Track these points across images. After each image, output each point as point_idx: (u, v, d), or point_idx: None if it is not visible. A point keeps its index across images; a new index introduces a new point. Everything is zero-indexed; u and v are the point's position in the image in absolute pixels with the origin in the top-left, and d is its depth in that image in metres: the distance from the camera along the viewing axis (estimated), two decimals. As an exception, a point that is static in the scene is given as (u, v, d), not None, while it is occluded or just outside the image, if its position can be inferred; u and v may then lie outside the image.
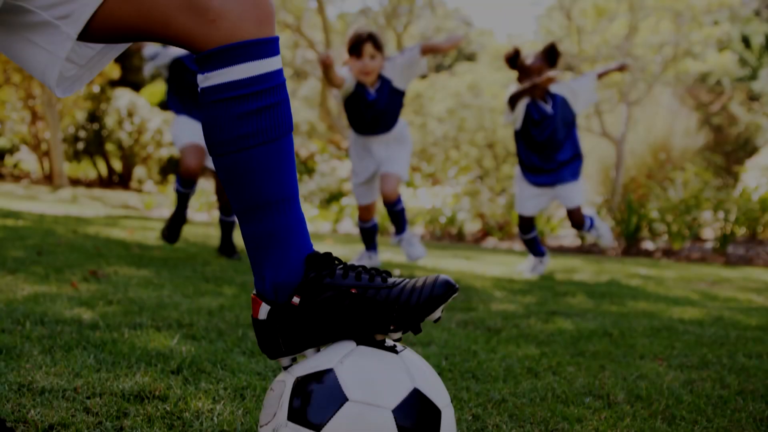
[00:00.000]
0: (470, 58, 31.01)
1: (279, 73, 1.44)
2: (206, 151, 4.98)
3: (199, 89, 1.44)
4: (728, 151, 20.85)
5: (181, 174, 5.58)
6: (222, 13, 1.39)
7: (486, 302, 4.15)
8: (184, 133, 5.62)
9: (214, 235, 8.18)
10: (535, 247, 6.20)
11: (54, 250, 5.04)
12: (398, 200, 5.62)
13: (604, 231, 6.17)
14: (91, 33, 1.44)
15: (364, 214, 5.80)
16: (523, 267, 6.38)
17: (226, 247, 5.92)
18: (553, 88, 5.88)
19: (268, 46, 1.42)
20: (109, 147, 20.33)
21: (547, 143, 5.91)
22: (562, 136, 5.93)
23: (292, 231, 1.47)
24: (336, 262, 1.50)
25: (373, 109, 5.45)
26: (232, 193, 1.46)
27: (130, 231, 7.49)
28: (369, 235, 5.85)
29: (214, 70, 1.40)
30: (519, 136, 6.04)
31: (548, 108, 5.83)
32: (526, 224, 6.22)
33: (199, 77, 1.42)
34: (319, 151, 15.34)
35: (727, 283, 6.11)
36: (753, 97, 23.15)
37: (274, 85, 1.42)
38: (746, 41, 24.22)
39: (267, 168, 1.43)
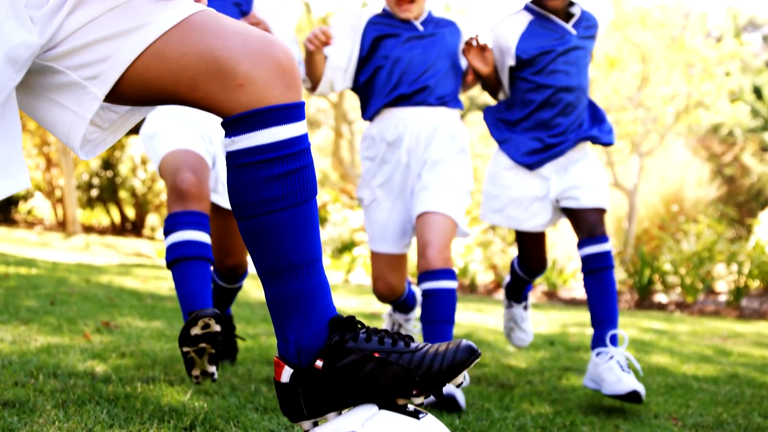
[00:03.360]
0: (482, 108, 31.13)
1: (304, 137, 1.46)
2: (213, 176, 3.07)
3: (225, 153, 1.46)
4: (741, 202, 20.80)
5: (170, 203, 2.83)
6: (250, 78, 1.41)
7: (498, 357, 4.13)
8: (169, 136, 3.00)
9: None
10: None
11: (67, 300, 5.05)
12: (448, 271, 3.14)
13: None
14: (117, 94, 1.47)
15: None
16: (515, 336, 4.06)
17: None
18: None
19: (295, 111, 1.44)
20: (123, 194, 20.41)
21: None
22: None
23: (315, 294, 1.48)
24: (359, 325, 1.51)
25: (420, 49, 3.32)
26: (257, 256, 1.47)
27: (143, 280, 7.50)
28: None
29: (240, 134, 1.42)
30: None
31: None
32: None
33: (225, 141, 1.44)
34: (332, 201, 15.37)
35: (741, 338, 6.06)
36: (765, 148, 23.13)
37: (299, 149, 1.44)
38: (758, 92, 24.27)
39: (292, 232, 1.44)
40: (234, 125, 1.42)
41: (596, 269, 3.18)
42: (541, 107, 3.34)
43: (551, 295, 9.86)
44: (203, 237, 2.76)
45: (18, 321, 3.89)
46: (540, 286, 10.15)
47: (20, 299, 4.85)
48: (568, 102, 3.32)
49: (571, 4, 3.45)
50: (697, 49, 14.91)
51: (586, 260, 3.21)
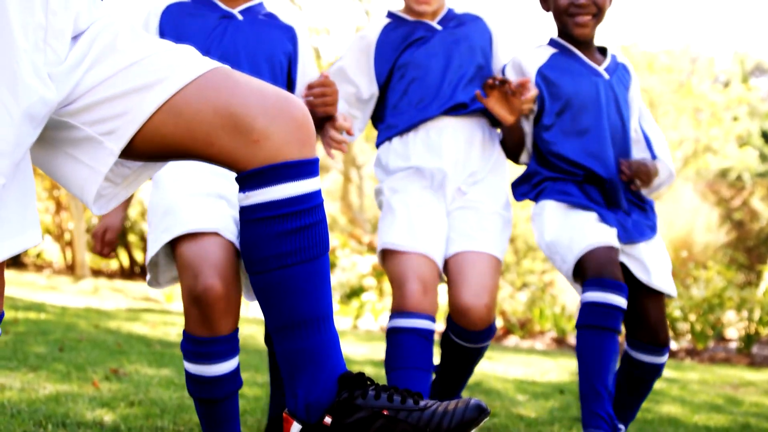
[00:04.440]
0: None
1: (318, 194, 1.48)
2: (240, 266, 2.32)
3: (238, 207, 1.47)
4: (750, 247, 20.73)
5: (191, 317, 2.24)
6: (266, 134, 1.43)
7: (508, 407, 4.10)
8: (190, 212, 2.30)
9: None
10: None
11: (76, 346, 5.04)
12: (489, 330, 2.70)
13: None
14: (132, 150, 1.49)
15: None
16: None
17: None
18: None
19: (309, 167, 1.46)
20: (132, 238, 20.46)
21: None
22: None
23: (325, 350, 1.49)
24: (368, 382, 1.51)
25: (440, 53, 2.87)
26: (268, 311, 1.48)
27: (152, 326, 7.49)
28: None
29: (254, 189, 1.44)
30: None
31: None
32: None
33: (240, 195, 1.46)
34: (340, 246, 15.37)
35: (753, 387, 6.02)
36: (774, 193, 23.13)
37: (313, 205, 1.46)
38: (766, 137, 24.29)
39: (303, 287, 1.45)
40: (249, 180, 1.44)
41: (644, 381, 2.84)
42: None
43: (560, 342, 9.80)
44: (234, 364, 2.26)
45: (27, 368, 3.89)
46: (549, 332, 10.10)
47: (29, 345, 4.85)
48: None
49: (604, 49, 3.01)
50: (705, 94, 15.02)
51: (639, 365, 2.83)
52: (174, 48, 1.54)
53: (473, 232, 2.74)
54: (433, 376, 2.82)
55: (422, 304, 2.58)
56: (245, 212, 1.46)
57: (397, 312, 2.61)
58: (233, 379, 2.26)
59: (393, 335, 2.59)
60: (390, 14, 2.96)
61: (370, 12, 14.43)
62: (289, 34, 2.72)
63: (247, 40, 2.60)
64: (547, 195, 2.89)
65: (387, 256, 2.73)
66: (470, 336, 2.66)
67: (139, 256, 21.17)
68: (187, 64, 1.48)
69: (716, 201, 20.92)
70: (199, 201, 2.32)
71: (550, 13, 2.99)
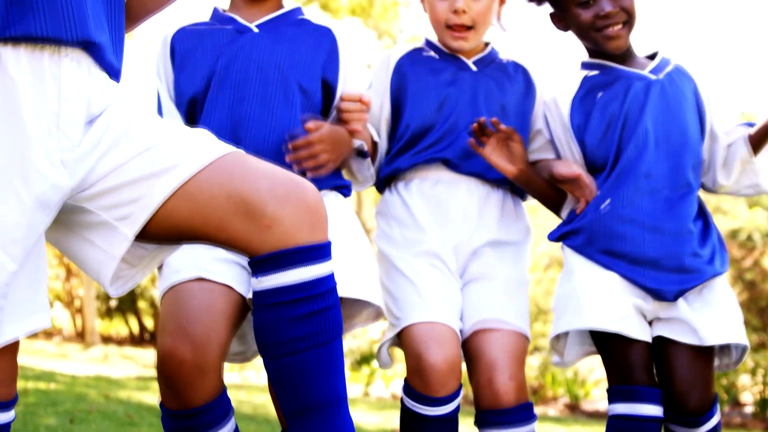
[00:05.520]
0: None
1: (330, 277, 1.48)
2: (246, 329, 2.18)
3: (252, 292, 1.48)
4: (763, 307, 20.58)
5: (161, 387, 1.91)
6: (278, 219, 1.44)
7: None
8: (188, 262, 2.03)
9: (245, 400, 8.09)
10: None
11: (86, 417, 5.01)
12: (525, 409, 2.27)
13: None
14: (147, 234, 1.50)
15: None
16: None
17: None
18: None
19: (321, 251, 1.46)
20: (142, 304, 20.45)
21: None
22: None
23: None
24: None
25: (469, 97, 2.41)
26: (282, 396, 1.48)
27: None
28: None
29: (267, 274, 1.44)
30: None
31: None
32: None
33: (252, 280, 1.46)
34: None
35: (770, 454, 5.94)
36: (785, 254, 23.04)
37: (325, 290, 1.46)
38: (775, 198, 24.35)
39: (317, 371, 1.45)
40: (261, 265, 1.44)
41: None
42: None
43: (574, 408, 9.69)
44: None
45: (37, 442, 3.87)
46: (562, 398, 10.00)
47: (39, 417, 4.82)
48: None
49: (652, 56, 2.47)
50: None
51: None
52: (187, 132, 1.55)
53: (494, 306, 2.33)
54: None
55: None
56: (258, 297, 1.46)
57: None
58: None
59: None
60: (426, 41, 2.54)
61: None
62: (326, 39, 2.30)
63: (260, 56, 2.20)
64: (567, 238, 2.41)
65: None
66: (501, 417, 2.25)
67: (148, 322, 21.13)
68: (199, 150, 1.49)
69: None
70: (195, 251, 2.00)
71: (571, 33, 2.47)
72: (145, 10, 1.75)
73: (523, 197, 2.52)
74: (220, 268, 2.00)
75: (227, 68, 2.18)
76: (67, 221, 1.51)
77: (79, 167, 1.45)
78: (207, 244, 1.52)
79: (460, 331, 2.31)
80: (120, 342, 20.04)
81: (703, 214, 2.38)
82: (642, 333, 2.26)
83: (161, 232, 1.50)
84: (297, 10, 2.33)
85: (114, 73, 1.58)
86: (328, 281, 1.47)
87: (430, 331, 2.20)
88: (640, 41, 2.64)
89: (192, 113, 2.23)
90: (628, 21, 2.36)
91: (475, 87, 2.41)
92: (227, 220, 1.45)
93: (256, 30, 2.25)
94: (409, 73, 2.45)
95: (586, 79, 2.44)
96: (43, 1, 1.39)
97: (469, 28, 2.37)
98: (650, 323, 2.32)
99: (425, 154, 2.37)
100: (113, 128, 1.49)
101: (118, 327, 21.87)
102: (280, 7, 2.32)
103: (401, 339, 2.27)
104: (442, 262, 2.34)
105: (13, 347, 1.48)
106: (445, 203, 2.37)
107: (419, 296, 2.27)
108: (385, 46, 13.84)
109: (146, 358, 15.77)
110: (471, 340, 2.30)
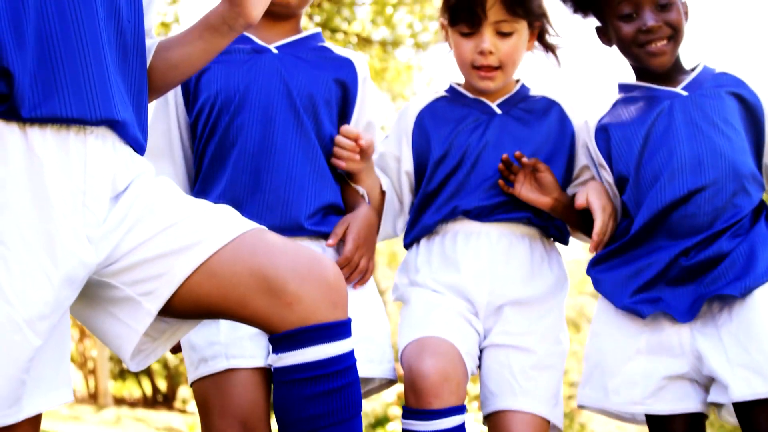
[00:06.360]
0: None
1: (350, 355, 1.49)
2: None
3: (272, 369, 1.49)
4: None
5: None
6: (299, 296, 1.45)
7: None
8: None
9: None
10: None
11: (100, 483, 4.98)
12: None
13: None
14: (169, 309, 1.51)
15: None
16: None
17: None
18: None
19: (341, 329, 1.48)
20: (155, 366, 20.32)
21: None
22: None
23: None
24: None
25: (494, 140, 2.28)
26: None
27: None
28: None
29: (287, 351, 1.46)
30: None
31: None
32: None
33: (272, 357, 1.48)
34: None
35: None
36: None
37: (344, 367, 1.48)
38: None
39: None
40: (281, 342, 1.46)
41: None
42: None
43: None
44: None
45: None
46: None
47: (53, 483, 4.79)
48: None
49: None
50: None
51: None
52: (210, 209, 1.57)
53: (517, 387, 2.14)
54: None
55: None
56: (278, 373, 1.47)
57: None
58: None
59: None
60: (450, 87, 2.42)
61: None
62: (345, 67, 2.23)
63: (278, 78, 2.11)
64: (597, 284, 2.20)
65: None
66: None
67: (162, 384, 20.97)
68: (222, 227, 1.52)
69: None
70: (220, 327, 1.97)
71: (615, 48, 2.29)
72: (166, 82, 1.76)
73: (563, 240, 2.35)
74: (246, 349, 1.96)
75: (238, 87, 2.09)
76: (91, 295, 1.53)
77: (105, 243, 1.46)
78: (229, 320, 1.53)
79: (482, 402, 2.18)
80: (133, 404, 19.88)
81: None
82: (681, 402, 2.05)
83: (184, 307, 1.51)
84: (317, 36, 2.26)
85: (138, 147, 1.60)
86: (348, 358, 1.48)
87: (425, 344, 2.06)
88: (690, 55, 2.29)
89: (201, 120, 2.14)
90: (674, 36, 2.17)
91: (499, 131, 2.28)
92: (249, 297, 1.46)
93: (275, 51, 2.17)
94: (430, 126, 2.33)
95: (616, 102, 2.28)
96: (67, 81, 1.40)
97: (496, 68, 2.25)
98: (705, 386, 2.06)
99: (448, 206, 2.24)
100: (138, 204, 1.51)
101: (131, 388, 21.73)
102: (299, 31, 2.26)
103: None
104: (461, 316, 2.18)
105: (34, 421, 1.49)
106: (464, 257, 2.21)
107: (422, 319, 2.16)
108: (398, 109, 13.98)
109: (159, 420, 15.63)
110: (493, 418, 2.16)
